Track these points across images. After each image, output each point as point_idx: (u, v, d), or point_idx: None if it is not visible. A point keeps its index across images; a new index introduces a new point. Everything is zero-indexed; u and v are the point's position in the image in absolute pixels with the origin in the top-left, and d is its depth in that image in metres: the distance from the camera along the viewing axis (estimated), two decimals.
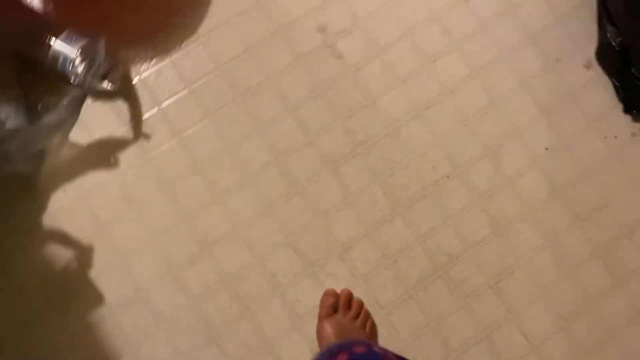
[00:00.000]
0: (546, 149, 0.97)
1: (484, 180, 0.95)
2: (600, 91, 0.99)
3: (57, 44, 0.87)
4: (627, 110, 0.98)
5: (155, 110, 0.94)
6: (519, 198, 0.96)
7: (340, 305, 0.88)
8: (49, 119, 0.87)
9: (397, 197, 0.94)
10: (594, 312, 0.94)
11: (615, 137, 0.98)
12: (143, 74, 0.95)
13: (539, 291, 0.94)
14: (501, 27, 0.99)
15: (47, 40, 0.88)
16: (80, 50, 0.87)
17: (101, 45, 0.89)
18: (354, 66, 0.97)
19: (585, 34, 1.00)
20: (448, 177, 0.95)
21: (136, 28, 0.95)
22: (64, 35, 0.88)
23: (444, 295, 0.92)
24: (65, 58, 0.87)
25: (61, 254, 0.90)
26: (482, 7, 0.99)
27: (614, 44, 0.95)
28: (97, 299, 0.89)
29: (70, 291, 0.89)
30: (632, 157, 0.97)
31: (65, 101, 0.88)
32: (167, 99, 0.94)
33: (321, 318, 0.87)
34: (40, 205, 0.90)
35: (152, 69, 0.95)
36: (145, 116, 0.94)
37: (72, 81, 0.88)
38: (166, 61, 0.95)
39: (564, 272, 0.94)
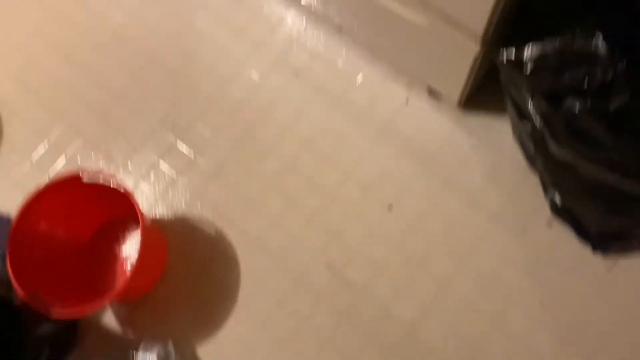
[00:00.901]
0: (541, 304, 1.15)
1: (499, 351, 1.13)
2: (568, 241, 1.17)
3: (140, 356, 1.13)
4: (594, 250, 1.16)
5: None
6: (533, 354, 1.12)
7: None
8: None
9: None
10: None
11: (594, 274, 1.15)
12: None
13: None
14: (468, 220, 1.21)
15: (132, 354, 1.14)
16: (157, 355, 1.13)
17: (170, 345, 1.15)
18: (363, 287, 1.19)
19: (538, 198, 1.20)
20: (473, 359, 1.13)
21: (187, 321, 1.21)
22: (141, 346, 1.15)
23: None
24: None
25: None
26: (449, 207, 1.22)
27: (558, 206, 1.15)
28: None
29: None
30: (614, 289, 1.14)
31: None
32: None
33: None
34: None
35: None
36: None
37: None
38: (220, 336, 1.19)
39: None
